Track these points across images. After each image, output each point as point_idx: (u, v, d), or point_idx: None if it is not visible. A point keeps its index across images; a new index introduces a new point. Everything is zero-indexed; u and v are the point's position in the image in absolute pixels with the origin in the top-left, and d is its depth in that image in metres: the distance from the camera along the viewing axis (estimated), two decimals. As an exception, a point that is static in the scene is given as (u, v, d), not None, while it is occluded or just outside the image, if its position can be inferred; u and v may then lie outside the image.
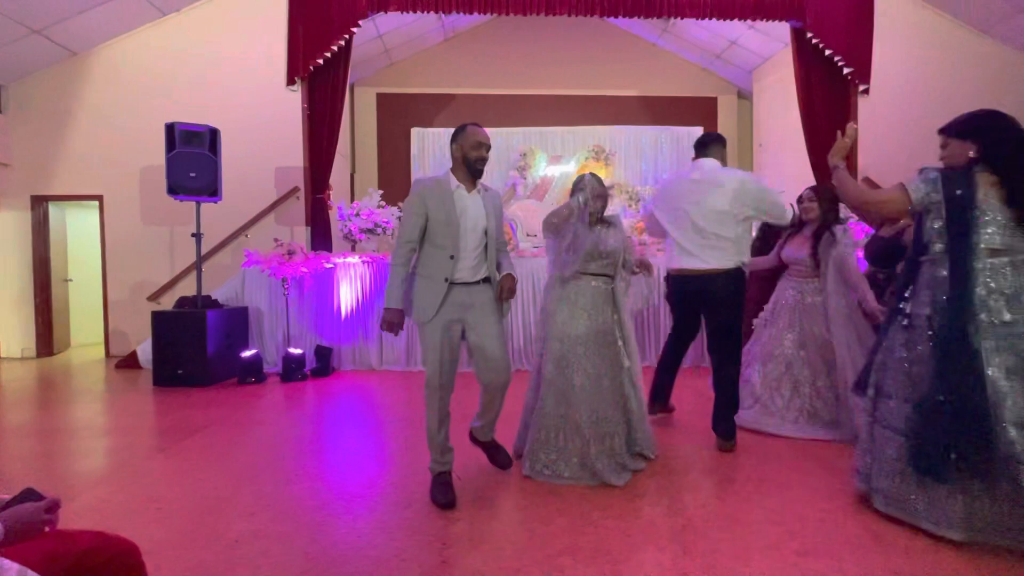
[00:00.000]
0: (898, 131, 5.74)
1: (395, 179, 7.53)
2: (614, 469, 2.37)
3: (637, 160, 7.79)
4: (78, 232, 6.59)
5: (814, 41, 5.65)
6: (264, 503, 2.20)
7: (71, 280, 6.42)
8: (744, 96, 8.06)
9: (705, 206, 2.75)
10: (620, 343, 2.53)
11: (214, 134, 4.69)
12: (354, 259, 4.99)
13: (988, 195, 1.79)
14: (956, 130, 1.93)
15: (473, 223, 2.23)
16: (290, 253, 4.84)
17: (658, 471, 2.51)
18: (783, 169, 6.86)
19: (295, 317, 4.91)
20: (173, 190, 4.54)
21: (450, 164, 2.29)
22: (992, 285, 1.77)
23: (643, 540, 1.88)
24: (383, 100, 7.83)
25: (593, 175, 2.60)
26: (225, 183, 4.85)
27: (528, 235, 6.57)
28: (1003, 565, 1.70)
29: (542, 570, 1.70)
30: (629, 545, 1.85)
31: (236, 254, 5.39)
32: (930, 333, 1.84)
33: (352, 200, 6.90)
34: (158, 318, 4.47)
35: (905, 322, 1.93)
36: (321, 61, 5.51)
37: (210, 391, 4.24)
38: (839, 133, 2.22)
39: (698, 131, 7.75)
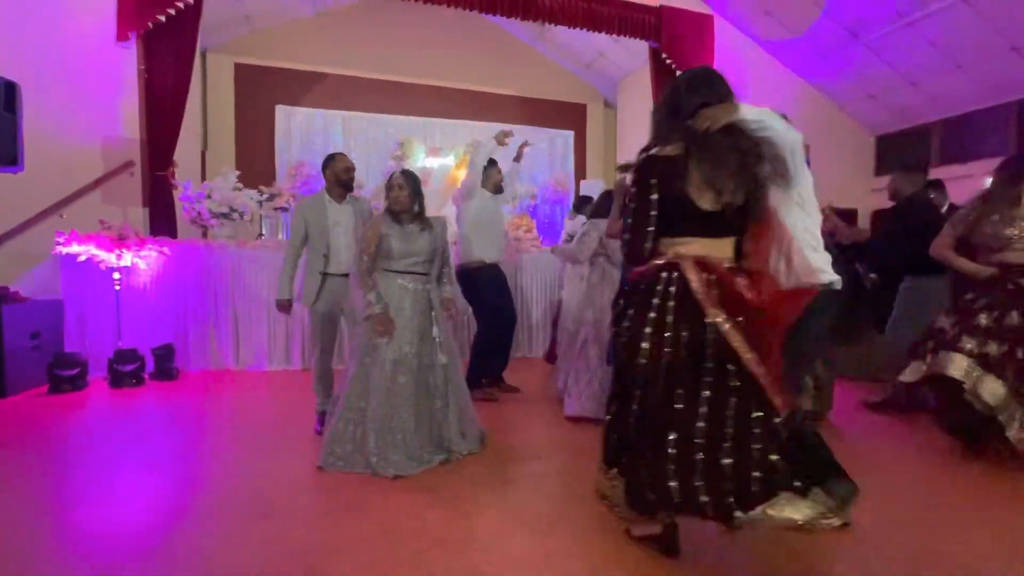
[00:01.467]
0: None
1: (256, 159, 6.81)
2: (396, 462, 2.38)
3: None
4: None
5: (668, 62, 6.30)
6: (85, 530, 1.89)
7: None
8: (610, 105, 8.70)
9: None
10: (436, 340, 2.56)
11: (11, 88, 3.82)
12: (202, 246, 4.45)
13: None
14: None
15: (344, 228, 2.91)
16: (121, 237, 4.17)
17: (527, 457, 2.64)
18: (642, 176, 7.52)
19: (129, 313, 4.24)
20: (-49, 155, 3.63)
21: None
22: None
23: (512, 525, 1.97)
24: (242, 71, 7.03)
25: (404, 172, 2.62)
26: (31, 151, 3.97)
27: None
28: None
29: (413, 565, 1.70)
30: (499, 531, 1.93)
31: (48, 237, 4.48)
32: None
33: (203, 180, 6.12)
34: (-71, 315, 3.56)
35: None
36: (163, 18, 4.79)
37: (8, 403, 3.51)
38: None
39: (569, 135, 8.24)
